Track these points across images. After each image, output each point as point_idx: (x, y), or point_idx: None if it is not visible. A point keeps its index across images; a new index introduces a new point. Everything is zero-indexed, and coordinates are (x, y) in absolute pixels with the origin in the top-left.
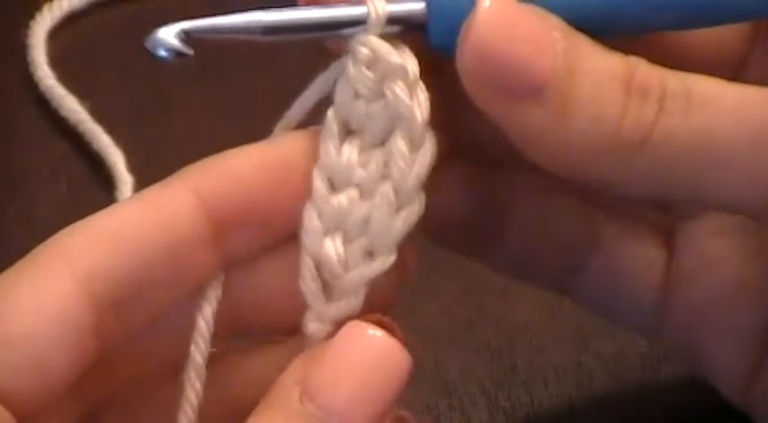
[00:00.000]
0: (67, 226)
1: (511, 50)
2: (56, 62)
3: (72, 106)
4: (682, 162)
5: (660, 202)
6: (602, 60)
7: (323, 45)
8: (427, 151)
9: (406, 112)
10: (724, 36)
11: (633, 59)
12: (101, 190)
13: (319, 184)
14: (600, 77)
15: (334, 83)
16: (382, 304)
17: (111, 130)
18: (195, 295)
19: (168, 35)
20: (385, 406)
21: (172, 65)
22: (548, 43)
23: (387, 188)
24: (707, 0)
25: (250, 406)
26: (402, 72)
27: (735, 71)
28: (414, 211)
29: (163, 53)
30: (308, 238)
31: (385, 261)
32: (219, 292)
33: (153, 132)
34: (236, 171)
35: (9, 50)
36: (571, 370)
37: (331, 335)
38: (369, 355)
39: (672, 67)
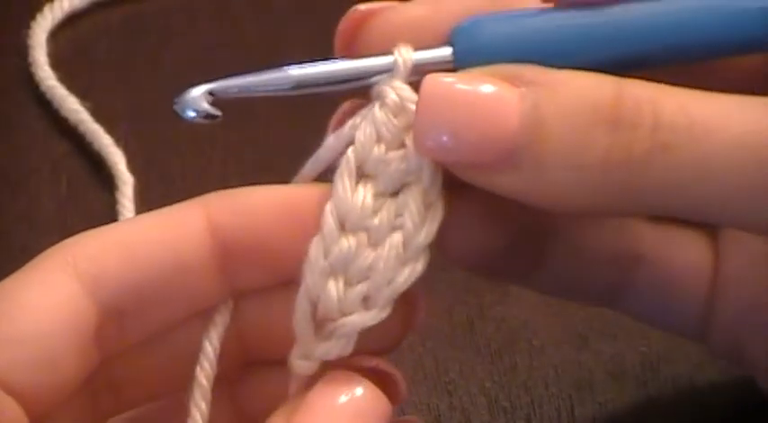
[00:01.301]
0: (67, 226)
1: (461, 130)
2: (56, 62)
3: (73, 106)
4: (682, 192)
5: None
6: (581, 96)
7: (329, 53)
8: (438, 210)
9: (425, 168)
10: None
11: (622, 85)
12: (101, 190)
13: (330, 223)
14: (577, 119)
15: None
16: (389, 344)
17: (110, 130)
18: (204, 322)
19: (198, 97)
20: None
21: (172, 66)
22: (504, 106)
23: (397, 239)
24: (705, 44)
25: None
26: None
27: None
28: (417, 269)
29: (192, 114)
30: (310, 275)
31: (380, 313)
32: (227, 318)
33: (153, 132)
34: (252, 207)
35: (10, 51)
36: (571, 370)
37: (318, 374)
38: (347, 409)
39: (698, 82)
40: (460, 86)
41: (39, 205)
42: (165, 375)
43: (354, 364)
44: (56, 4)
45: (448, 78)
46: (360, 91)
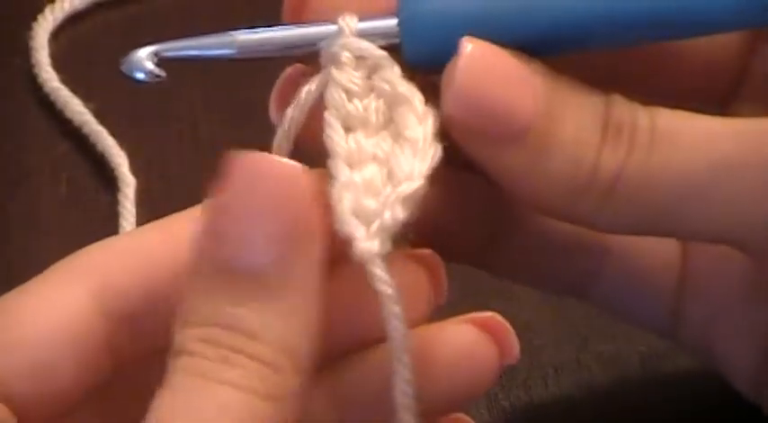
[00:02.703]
0: (67, 226)
1: (494, 97)
2: (58, 63)
3: (76, 108)
4: (647, 198)
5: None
6: (583, 101)
7: None
8: (432, 119)
9: (404, 89)
10: (719, 45)
11: (611, 97)
12: (102, 191)
13: (341, 167)
14: (581, 119)
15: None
16: (423, 309)
17: (111, 130)
18: None
19: (143, 58)
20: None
21: (172, 67)
22: (530, 88)
23: (404, 147)
24: (678, 16)
25: None
26: (389, 62)
27: (733, 82)
28: (435, 153)
29: (141, 76)
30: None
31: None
32: None
33: (153, 133)
34: None
35: (12, 52)
36: (571, 370)
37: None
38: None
39: (664, 80)
40: (497, 56)
41: (39, 205)
42: None
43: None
44: (56, 5)
45: (493, 46)
46: (304, 58)
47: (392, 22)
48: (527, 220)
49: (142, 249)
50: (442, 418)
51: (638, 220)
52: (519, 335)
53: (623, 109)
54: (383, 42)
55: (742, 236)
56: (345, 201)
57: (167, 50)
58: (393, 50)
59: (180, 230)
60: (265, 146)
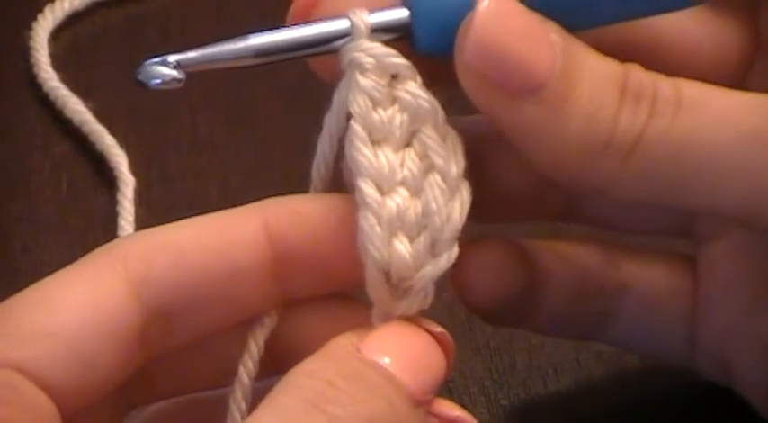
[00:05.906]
0: (67, 226)
1: (511, 47)
2: (58, 63)
3: (76, 107)
4: (670, 165)
5: (653, 208)
6: (600, 63)
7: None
8: (455, 138)
9: (427, 104)
10: (721, 50)
11: (628, 64)
12: (101, 190)
13: (370, 190)
14: (598, 80)
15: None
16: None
17: (110, 129)
18: (245, 328)
19: (159, 66)
20: (427, 384)
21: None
22: (547, 43)
23: (435, 178)
24: None
25: None
26: (411, 72)
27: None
28: (465, 198)
29: (156, 82)
30: (372, 246)
31: (450, 255)
32: (275, 322)
33: (153, 132)
34: (307, 215)
35: (11, 52)
36: (570, 369)
37: None
38: (418, 342)
39: (672, 69)
40: (515, 9)
41: (39, 205)
42: (200, 374)
43: (422, 325)
44: (56, 5)
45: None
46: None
47: (403, 13)
48: (557, 276)
49: (191, 245)
50: (444, 417)
51: (658, 188)
52: (518, 334)
53: (643, 76)
54: (392, 36)
55: (763, 210)
56: (374, 278)
57: (184, 60)
58: (401, 41)
59: (234, 229)
60: (265, 146)
